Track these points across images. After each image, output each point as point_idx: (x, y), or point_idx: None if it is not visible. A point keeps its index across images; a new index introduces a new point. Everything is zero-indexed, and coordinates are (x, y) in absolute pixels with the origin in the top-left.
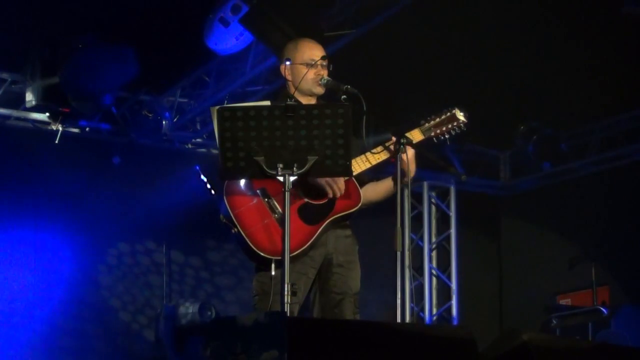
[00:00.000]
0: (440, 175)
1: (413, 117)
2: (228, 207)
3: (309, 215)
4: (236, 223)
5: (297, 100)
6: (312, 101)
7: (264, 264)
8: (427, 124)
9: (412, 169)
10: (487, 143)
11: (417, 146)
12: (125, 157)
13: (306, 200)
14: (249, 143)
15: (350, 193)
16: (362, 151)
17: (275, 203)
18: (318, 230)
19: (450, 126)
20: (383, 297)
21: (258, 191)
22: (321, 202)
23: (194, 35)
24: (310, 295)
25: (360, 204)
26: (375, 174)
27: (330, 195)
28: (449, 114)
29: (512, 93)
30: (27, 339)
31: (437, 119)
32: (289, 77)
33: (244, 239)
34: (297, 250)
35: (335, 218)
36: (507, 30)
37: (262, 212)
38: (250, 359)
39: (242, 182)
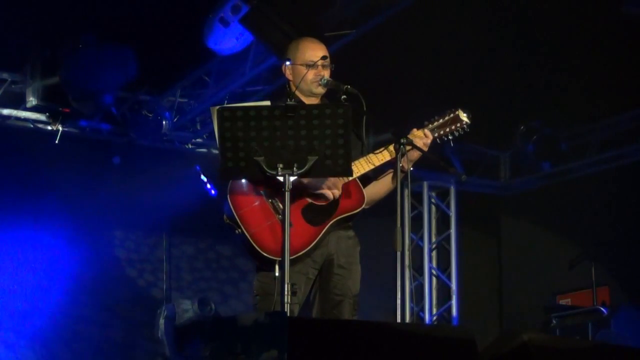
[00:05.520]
0: (440, 175)
1: (414, 117)
2: (232, 208)
3: (313, 216)
4: (240, 224)
5: (298, 100)
6: (315, 101)
7: (268, 265)
8: (430, 125)
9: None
10: (487, 143)
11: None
12: (125, 157)
13: (310, 201)
14: (249, 143)
15: (354, 194)
16: (362, 152)
17: (279, 204)
18: (322, 231)
19: (453, 127)
20: (383, 297)
21: (262, 192)
22: (325, 203)
23: (194, 35)
24: (310, 295)
25: (363, 205)
26: (374, 174)
27: (331, 198)
28: (452, 115)
29: (512, 93)
30: (27, 338)
31: (441, 120)
32: (290, 77)
33: (248, 239)
34: (301, 251)
35: (339, 219)
36: (507, 31)
37: (266, 212)
38: (250, 359)
39: (246, 182)
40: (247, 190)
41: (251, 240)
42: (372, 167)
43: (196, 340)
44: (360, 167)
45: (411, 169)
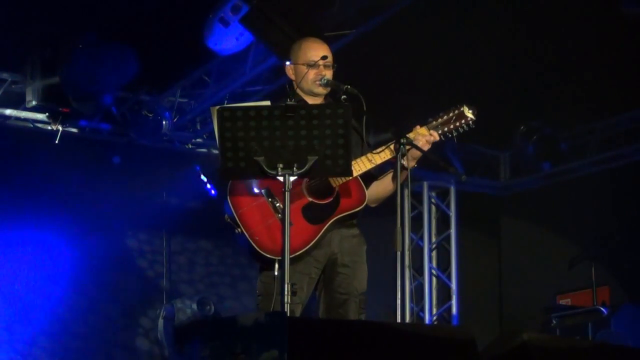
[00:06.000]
0: (440, 175)
1: (414, 117)
2: (232, 207)
3: (313, 215)
4: (240, 223)
5: (301, 100)
6: (318, 101)
7: (268, 264)
8: (434, 122)
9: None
10: (487, 143)
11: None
12: (125, 157)
13: (310, 199)
14: (249, 143)
15: (355, 192)
16: (363, 151)
17: (279, 203)
18: (322, 229)
19: (458, 124)
20: (383, 297)
21: (262, 191)
22: (325, 202)
23: (194, 35)
24: (315, 295)
25: (365, 203)
26: (378, 171)
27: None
28: (457, 111)
29: (512, 93)
30: (28, 339)
31: (445, 117)
32: (292, 77)
33: (247, 239)
34: (300, 249)
35: (340, 217)
36: (507, 30)
37: (266, 212)
38: (250, 359)
39: (246, 182)
40: (247, 190)
41: (250, 240)
42: (373, 165)
43: (196, 340)
44: (362, 165)
45: (415, 166)
